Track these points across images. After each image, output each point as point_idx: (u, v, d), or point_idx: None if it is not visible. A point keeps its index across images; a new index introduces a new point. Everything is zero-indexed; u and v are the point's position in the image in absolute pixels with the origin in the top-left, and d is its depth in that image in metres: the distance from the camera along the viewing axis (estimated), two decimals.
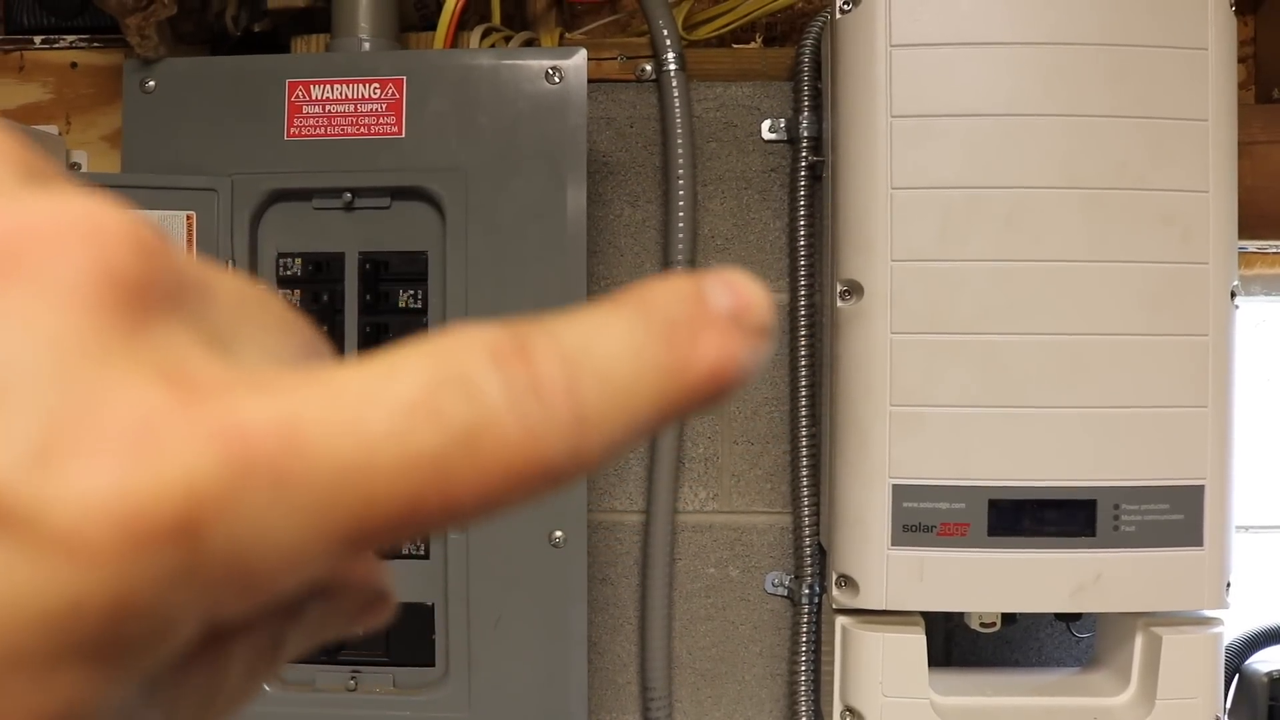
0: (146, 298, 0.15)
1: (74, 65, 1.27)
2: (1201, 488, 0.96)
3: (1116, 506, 0.95)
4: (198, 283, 0.16)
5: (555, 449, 0.15)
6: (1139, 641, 1.00)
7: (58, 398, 0.13)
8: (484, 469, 0.15)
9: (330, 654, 1.05)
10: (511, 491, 0.15)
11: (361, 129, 1.02)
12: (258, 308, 0.18)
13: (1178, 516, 0.96)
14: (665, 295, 0.17)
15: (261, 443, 0.14)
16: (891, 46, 0.95)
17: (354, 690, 1.04)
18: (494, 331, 0.16)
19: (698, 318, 0.17)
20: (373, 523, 0.15)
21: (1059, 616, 1.06)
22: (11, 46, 1.28)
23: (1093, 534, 0.96)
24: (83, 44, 1.27)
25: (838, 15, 1.00)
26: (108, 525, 0.13)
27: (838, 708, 1.01)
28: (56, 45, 1.27)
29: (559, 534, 1.01)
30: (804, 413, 1.17)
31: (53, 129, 1.26)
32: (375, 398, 0.15)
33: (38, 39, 1.27)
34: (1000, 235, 0.94)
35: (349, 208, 1.03)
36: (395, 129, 1.02)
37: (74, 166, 1.25)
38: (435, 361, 0.15)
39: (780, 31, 1.26)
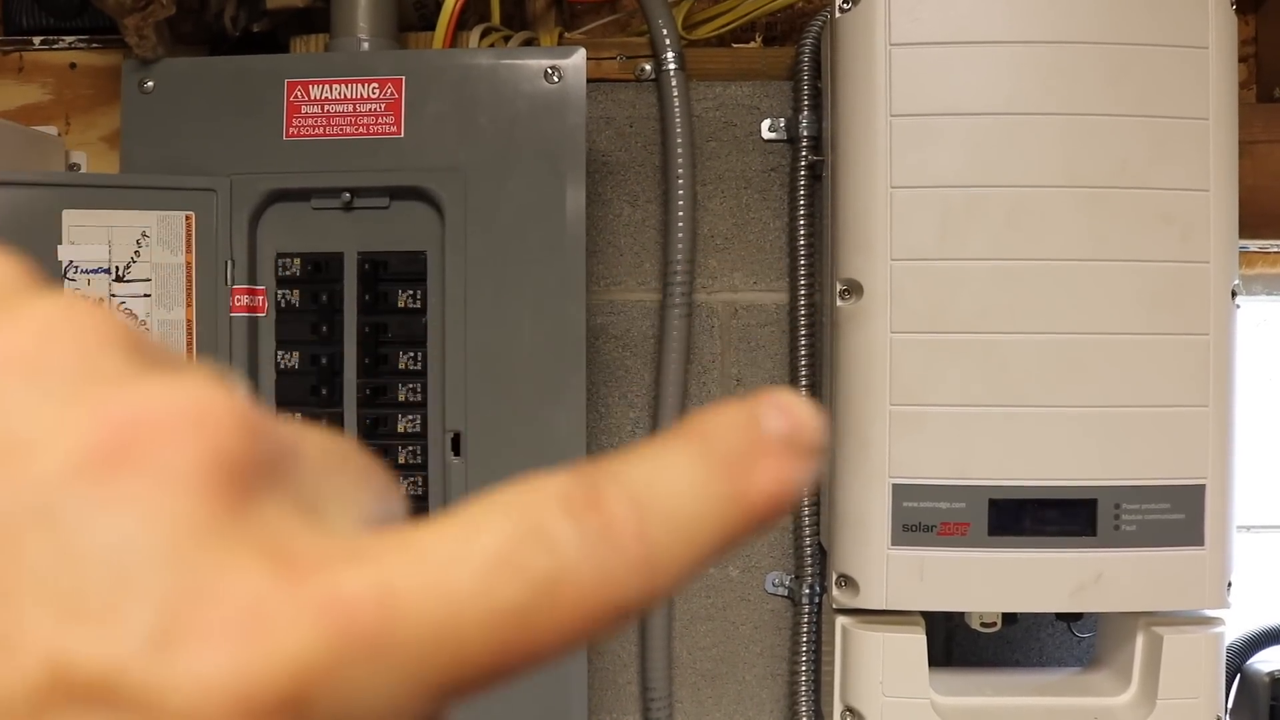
0: (251, 478, 0.16)
1: (73, 66, 1.27)
2: (1202, 487, 0.96)
3: (1117, 506, 0.95)
4: (292, 449, 0.17)
5: (629, 589, 0.16)
6: (1140, 641, 1.00)
7: (174, 583, 0.14)
8: (564, 616, 0.16)
9: None
10: (590, 632, 0.16)
11: (360, 129, 1.02)
12: (341, 464, 0.19)
13: (1179, 516, 0.95)
14: (722, 426, 0.18)
15: (361, 614, 0.15)
16: (891, 45, 0.95)
17: None
18: (565, 480, 0.17)
19: (755, 446, 0.18)
20: (463, 676, 0.16)
21: (1060, 616, 1.06)
22: (10, 47, 1.27)
23: (1093, 534, 0.96)
24: (82, 45, 1.27)
25: (837, 14, 0.99)
26: (223, 704, 0.14)
27: (838, 708, 1.01)
28: (55, 46, 1.27)
29: None
30: None
31: (52, 130, 1.26)
32: (459, 557, 0.16)
33: (36, 40, 1.27)
34: (1000, 234, 0.94)
35: (348, 208, 1.03)
36: (394, 129, 1.02)
37: (73, 167, 1.25)
38: (512, 515, 0.16)
39: (780, 31, 1.26)
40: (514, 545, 0.16)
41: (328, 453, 0.19)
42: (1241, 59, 1.11)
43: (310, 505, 0.17)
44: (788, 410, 0.18)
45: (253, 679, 0.14)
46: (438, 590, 0.15)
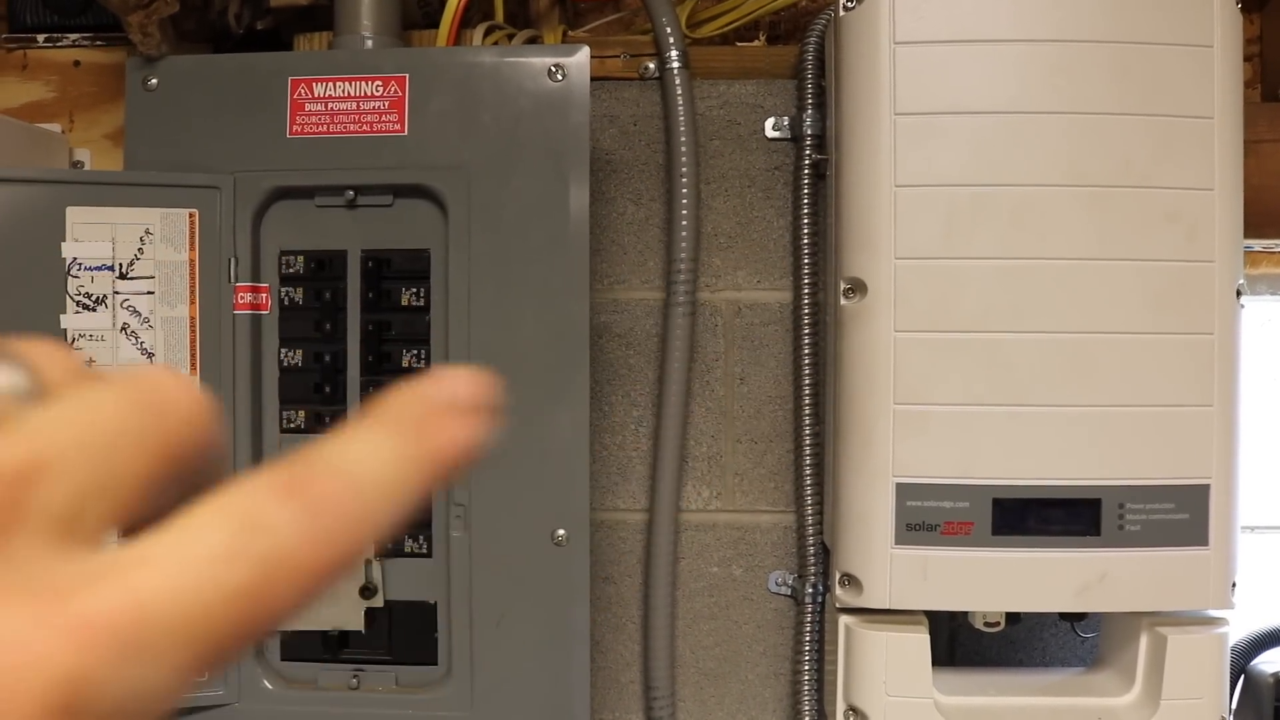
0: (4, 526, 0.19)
1: (77, 64, 1.27)
2: (1207, 487, 0.95)
3: (1121, 506, 0.95)
4: (44, 468, 0.20)
5: (345, 545, 0.20)
6: (1144, 641, 1.00)
7: None
8: (290, 581, 0.20)
9: (333, 652, 1.05)
10: (319, 587, 0.20)
11: (364, 126, 1.02)
12: (103, 457, 0.21)
13: (1183, 516, 0.95)
14: (404, 403, 0.22)
15: (116, 624, 0.18)
16: (895, 44, 0.95)
17: (356, 689, 1.04)
18: (275, 474, 0.20)
19: (430, 413, 0.22)
20: (218, 648, 0.19)
21: (1063, 616, 1.06)
22: (15, 45, 1.28)
23: (1097, 533, 0.95)
24: (85, 42, 1.27)
25: (841, 13, 0.99)
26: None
27: (841, 707, 1.01)
28: (59, 44, 1.27)
29: (562, 532, 1.00)
30: (807, 411, 1.17)
31: (56, 127, 1.26)
32: (190, 558, 0.19)
33: (41, 37, 1.27)
34: (1004, 233, 0.94)
35: (351, 205, 1.03)
36: (398, 126, 1.02)
37: (77, 165, 1.25)
38: (230, 511, 0.20)
39: (784, 30, 1.26)
40: (234, 536, 0.19)
41: (90, 448, 0.21)
42: (1247, 58, 1.11)
43: (69, 516, 0.20)
44: (459, 381, 0.23)
45: (17, 704, 0.17)
46: (177, 590, 0.19)
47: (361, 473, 0.21)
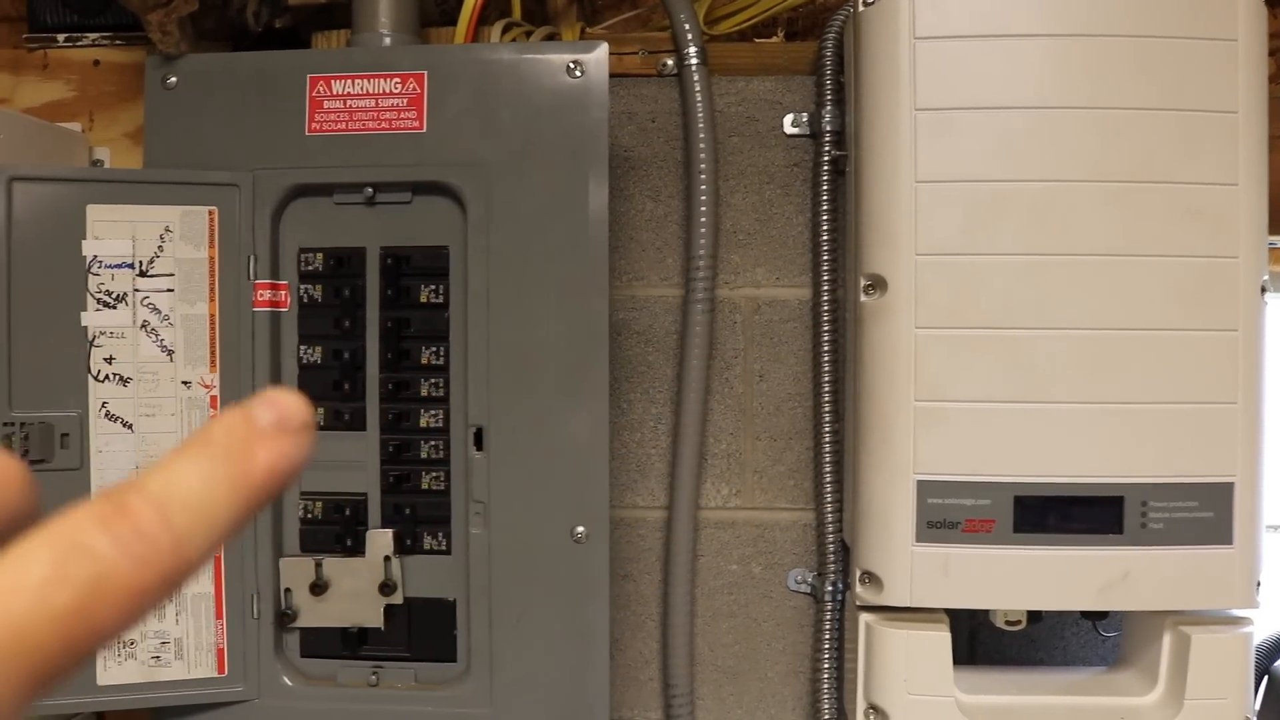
0: None
1: (96, 63, 1.28)
2: (1231, 485, 0.95)
3: (1144, 504, 0.94)
4: None
5: (166, 565, 0.21)
6: (1167, 641, 0.99)
7: None
8: (114, 601, 0.21)
9: (353, 649, 1.05)
10: (144, 604, 0.21)
11: (383, 124, 1.02)
12: None
13: (1207, 514, 0.94)
14: (222, 428, 0.23)
15: None
16: (915, 39, 0.95)
17: (375, 686, 1.04)
18: (96, 503, 0.22)
19: (249, 436, 0.23)
20: (45, 668, 0.20)
21: (1085, 615, 1.05)
22: (35, 45, 1.28)
23: (1120, 531, 0.95)
24: (105, 41, 1.27)
25: (860, 8, 0.99)
26: None
27: (861, 705, 1.01)
28: (79, 43, 1.28)
29: (581, 530, 1.00)
30: (827, 409, 1.16)
31: (76, 126, 1.26)
32: (15, 586, 0.20)
33: (61, 37, 1.28)
34: (1026, 229, 0.94)
35: (370, 202, 1.03)
36: (416, 124, 1.02)
37: (96, 163, 1.25)
38: (53, 540, 0.21)
39: (802, 26, 1.25)
40: (58, 562, 0.20)
41: None
42: (1271, 52, 1.09)
43: None
44: (274, 402, 0.24)
45: None
46: (4, 615, 0.20)
47: (179, 496, 0.22)
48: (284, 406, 0.24)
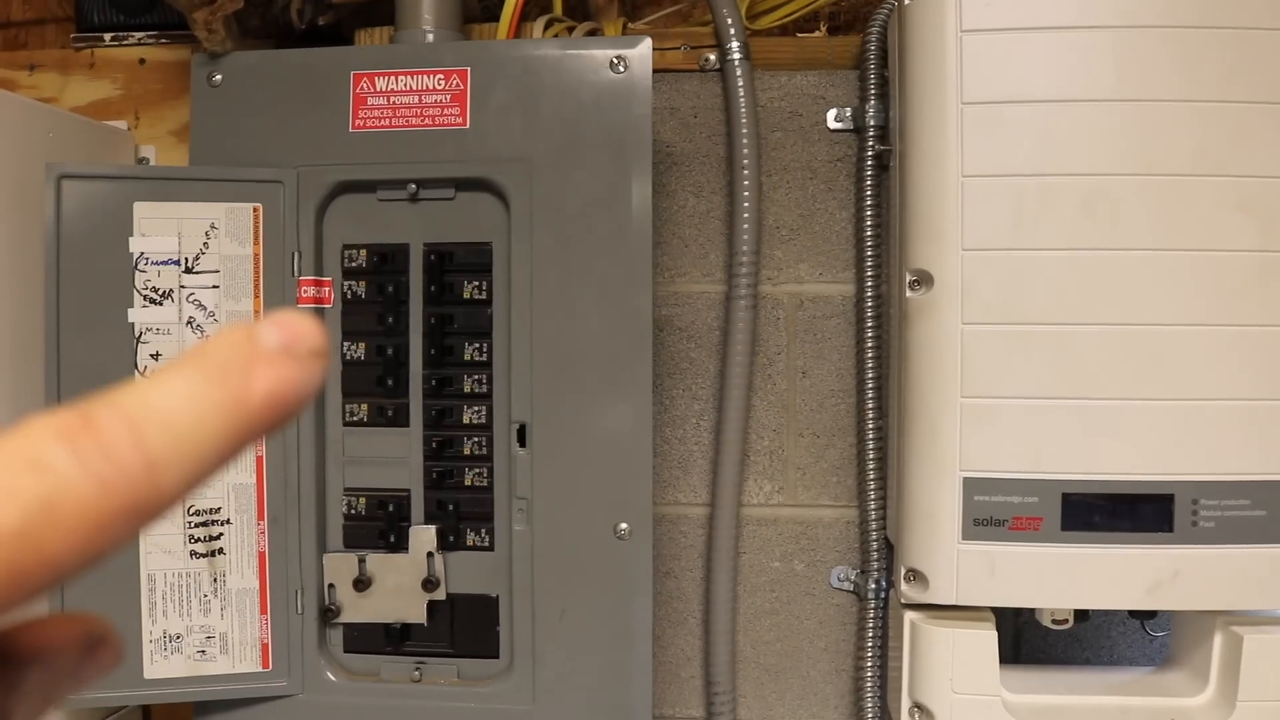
0: None
1: (142, 61, 1.29)
2: None
3: (1195, 502, 0.93)
4: None
5: (133, 493, 0.19)
6: (1218, 641, 0.97)
7: None
8: (69, 527, 0.18)
9: (395, 645, 1.05)
10: (106, 536, 0.19)
11: (426, 120, 1.02)
12: None
13: (1259, 513, 0.93)
14: (219, 344, 0.20)
15: None
16: (962, 32, 0.94)
17: (419, 681, 1.05)
18: (60, 414, 0.19)
19: (250, 356, 0.20)
20: None
21: (1133, 614, 1.04)
22: (82, 44, 1.29)
23: (1170, 530, 0.93)
24: (151, 40, 1.29)
25: (906, 2, 0.98)
26: None
27: (906, 704, 1.00)
28: (125, 42, 1.29)
29: (624, 526, 1.00)
30: (871, 405, 1.16)
31: (122, 124, 1.27)
32: None
33: (107, 36, 1.29)
34: (1074, 223, 0.92)
35: (414, 199, 1.03)
36: (460, 120, 1.02)
37: (142, 161, 1.26)
38: (5, 452, 0.18)
39: (844, 20, 1.24)
40: (6, 475, 0.18)
41: None
42: None
43: None
44: (285, 324, 0.21)
45: None
46: None
47: (159, 415, 0.19)
48: (293, 328, 0.21)
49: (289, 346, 0.21)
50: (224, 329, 0.21)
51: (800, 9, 1.19)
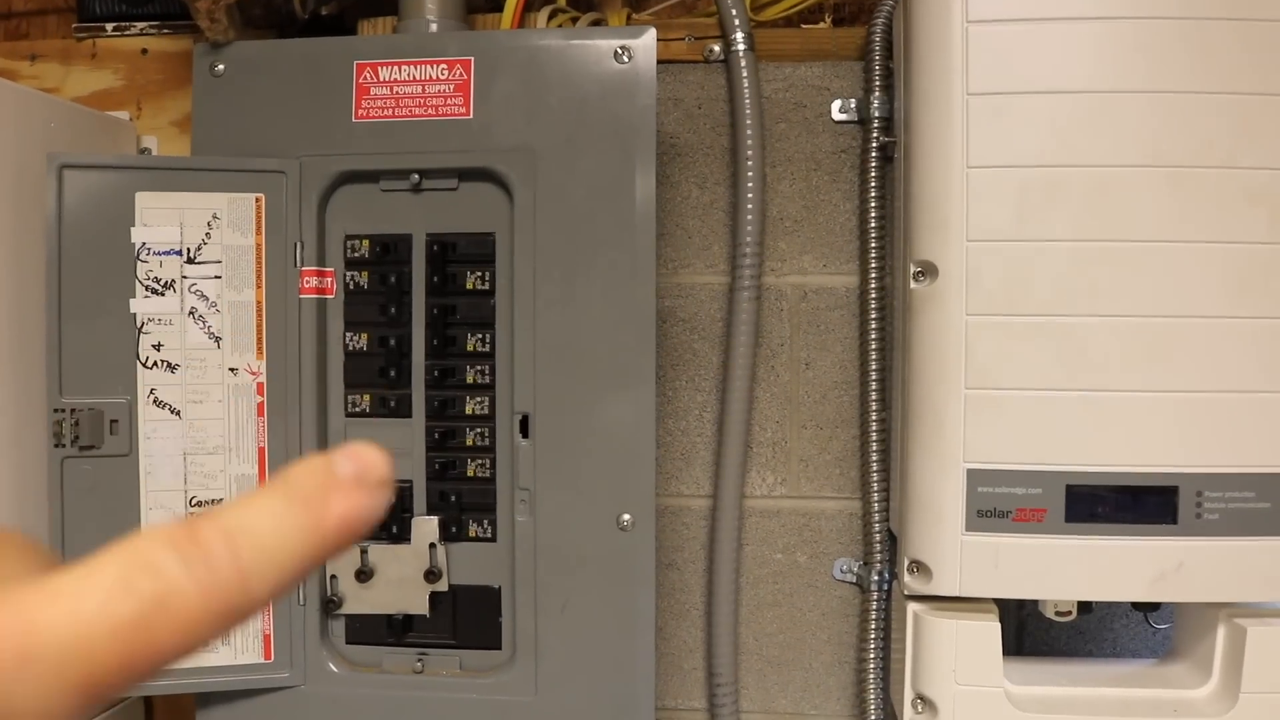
0: None
1: (144, 51, 1.28)
2: None
3: (1199, 494, 0.93)
4: None
5: (228, 597, 0.22)
6: (1221, 633, 0.97)
7: None
8: (176, 622, 0.21)
9: (398, 636, 1.05)
10: (204, 632, 0.22)
11: (429, 110, 1.02)
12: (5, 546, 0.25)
13: (1264, 505, 0.93)
14: (304, 473, 0.24)
15: (6, 640, 0.20)
16: (968, 22, 0.93)
17: (420, 672, 1.04)
18: (171, 526, 0.22)
19: (328, 485, 0.24)
20: (100, 676, 0.21)
21: (1136, 606, 1.04)
22: (84, 34, 1.29)
23: (1174, 522, 0.93)
24: (153, 30, 1.28)
25: None
26: None
27: (909, 696, 1.00)
28: (128, 32, 1.29)
29: (627, 517, 1.00)
30: (874, 396, 1.15)
31: (124, 115, 1.27)
32: (84, 589, 0.21)
33: (109, 26, 1.29)
34: (1080, 214, 0.92)
35: (416, 189, 1.03)
36: (463, 110, 1.01)
37: (144, 151, 1.26)
38: (126, 555, 0.22)
39: (849, 11, 1.24)
40: (127, 574, 0.21)
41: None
42: None
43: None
44: (357, 456, 0.25)
45: None
46: (67, 614, 0.21)
47: (251, 532, 0.23)
48: (365, 460, 0.25)
49: (360, 477, 0.24)
50: (304, 461, 0.25)
51: (805, 0, 1.19)
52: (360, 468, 0.24)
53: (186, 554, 0.22)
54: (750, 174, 1.14)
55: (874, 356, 1.16)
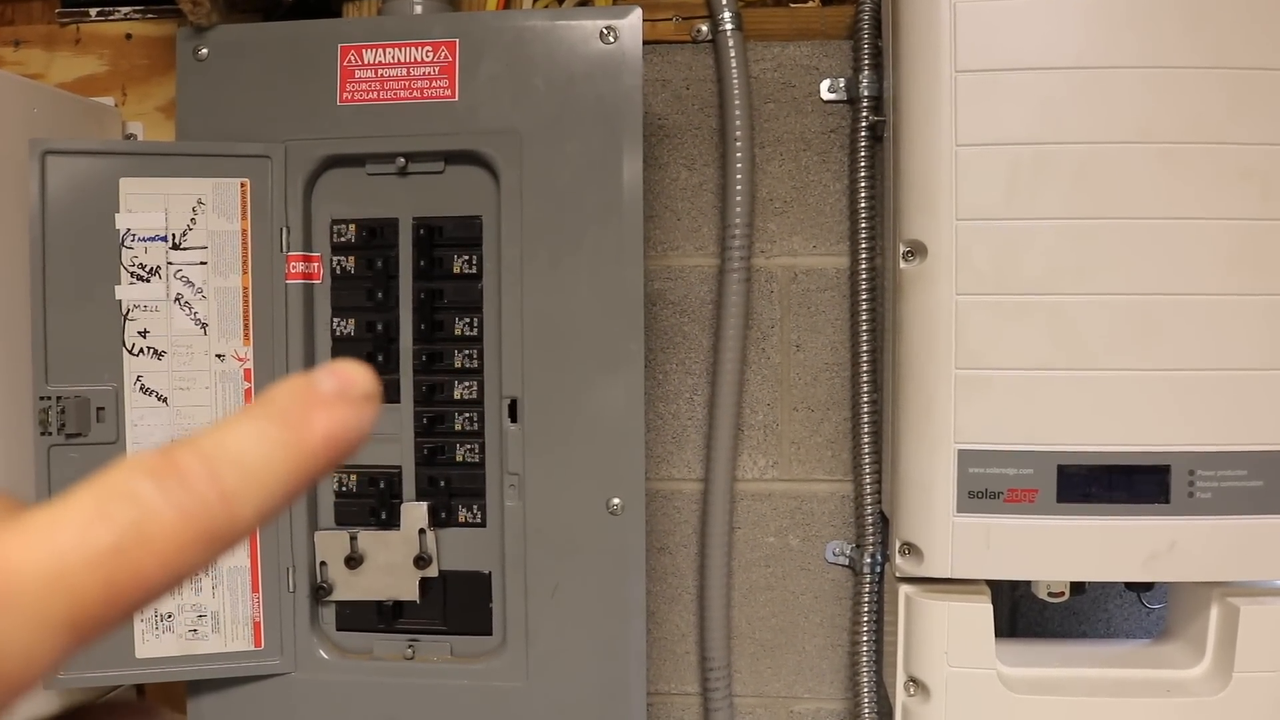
0: None
1: (129, 36, 1.27)
2: None
3: (1192, 473, 0.92)
4: None
5: (211, 521, 0.21)
6: (1214, 612, 0.97)
7: None
8: (157, 548, 0.21)
9: (388, 623, 1.05)
10: (190, 559, 0.21)
11: (414, 93, 1.01)
12: None
13: (1257, 483, 0.92)
14: (282, 392, 0.23)
15: None
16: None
17: (411, 659, 1.04)
18: (146, 454, 0.22)
19: (309, 401, 0.23)
20: (85, 609, 0.20)
21: (1129, 586, 1.03)
22: (68, 19, 1.28)
23: (1166, 501, 0.93)
24: (137, 15, 1.27)
25: None
26: None
27: (901, 678, 1.00)
28: (111, 17, 1.28)
29: (617, 501, 0.99)
30: (865, 378, 1.15)
31: (109, 101, 1.26)
32: (57, 521, 0.20)
33: (93, 11, 1.28)
34: (1070, 192, 0.91)
35: (402, 173, 1.02)
36: (448, 92, 1.01)
37: (130, 138, 1.25)
38: (102, 486, 0.21)
39: None
40: (103, 504, 0.20)
41: None
42: None
43: None
44: (339, 372, 0.24)
45: None
46: (43, 547, 0.20)
47: (231, 455, 0.22)
48: (347, 375, 0.24)
49: (343, 391, 0.24)
50: (285, 380, 0.24)
51: None
52: (343, 383, 0.24)
53: (164, 480, 0.21)
54: (739, 155, 1.13)
55: (864, 338, 1.15)
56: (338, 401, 0.23)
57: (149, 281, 1.00)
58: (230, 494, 0.22)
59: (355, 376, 0.24)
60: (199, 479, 0.21)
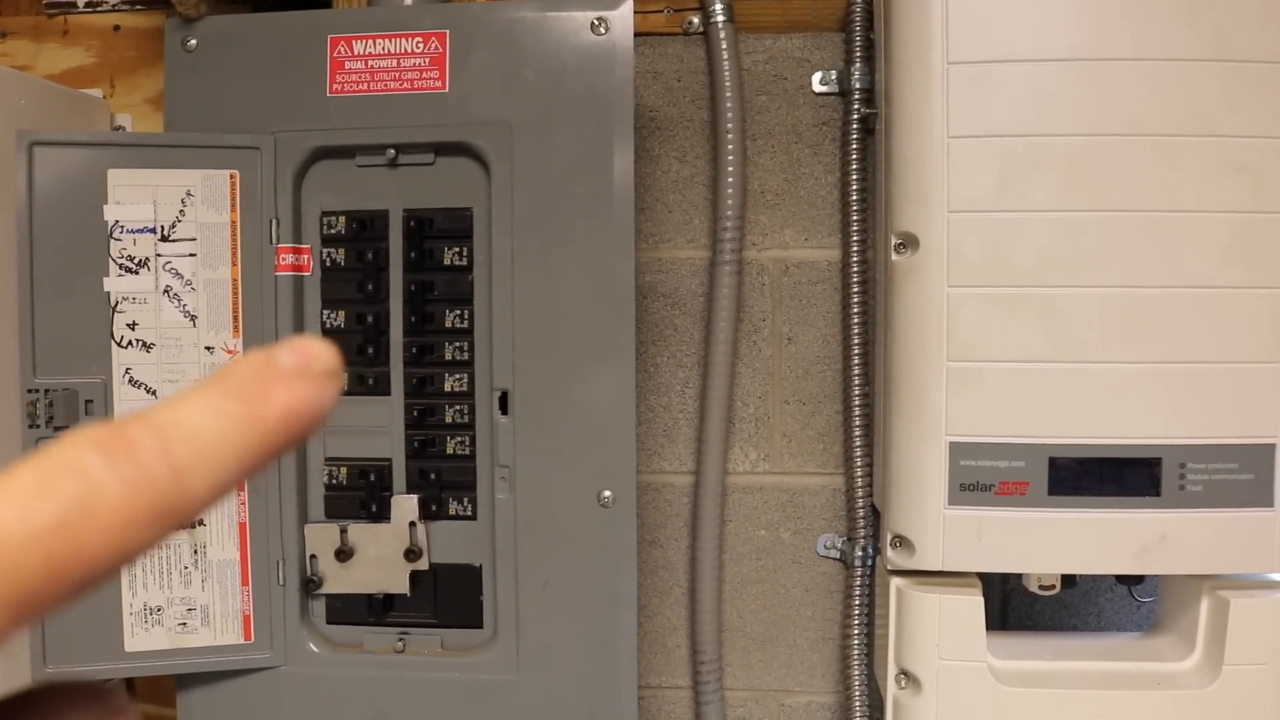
0: None
1: (117, 28, 1.27)
2: (1272, 446, 0.92)
3: (1182, 465, 0.92)
4: None
5: (161, 495, 0.20)
6: (1205, 605, 0.97)
7: None
8: (103, 525, 0.20)
9: (378, 616, 1.04)
10: (138, 534, 0.20)
11: (405, 84, 1.00)
12: None
13: (1247, 476, 0.92)
14: (240, 366, 0.22)
15: None
16: None
17: (402, 652, 1.04)
18: (96, 428, 0.21)
19: (268, 376, 0.22)
20: (25, 587, 0.19)
21: (1120, 579, 1.03)
22: (56, 10, 1.27)
23: (1157, 494, 0.93)
24: (125, 6, 1.27)
25: None
26: None
27: (892, 671, 0.99)
28: (99, 9, 1.27)
29: (608, 494, 0.99)
30: (856, 371, 1.15)
31: (97, 93, 1.25)
32: None
33: (81, 2, 1.27)
34: (1062, 184, 0.91)
35: (393, 164, 1.02)
36: (439, 84, 1.00)
37: (118, 129, 1.24)
38: (45, 459, 0.20)
39: None
40: (46, 478, 0.20)
41: None
42: None
43: None
44: (299, 347, 0.23)
45: None
46: None
47: (183, 429, 0.21)
48: (309, 350, 0.23)
49: (304, 367, 0.23)
50: (243, 355, 0.23)
51: None
52: (303, 358, 0.23)
53: (112, 453, 0.20)
54: (730, 147, 1.12)
55: (856, 330, 1.15)
56: (297, 377, 0.23)
57: (138, 273, 0.99)
58: (181, 469, 0.21)
59: (317, 352, 0.23)
60: (149, 453, 0.20)
